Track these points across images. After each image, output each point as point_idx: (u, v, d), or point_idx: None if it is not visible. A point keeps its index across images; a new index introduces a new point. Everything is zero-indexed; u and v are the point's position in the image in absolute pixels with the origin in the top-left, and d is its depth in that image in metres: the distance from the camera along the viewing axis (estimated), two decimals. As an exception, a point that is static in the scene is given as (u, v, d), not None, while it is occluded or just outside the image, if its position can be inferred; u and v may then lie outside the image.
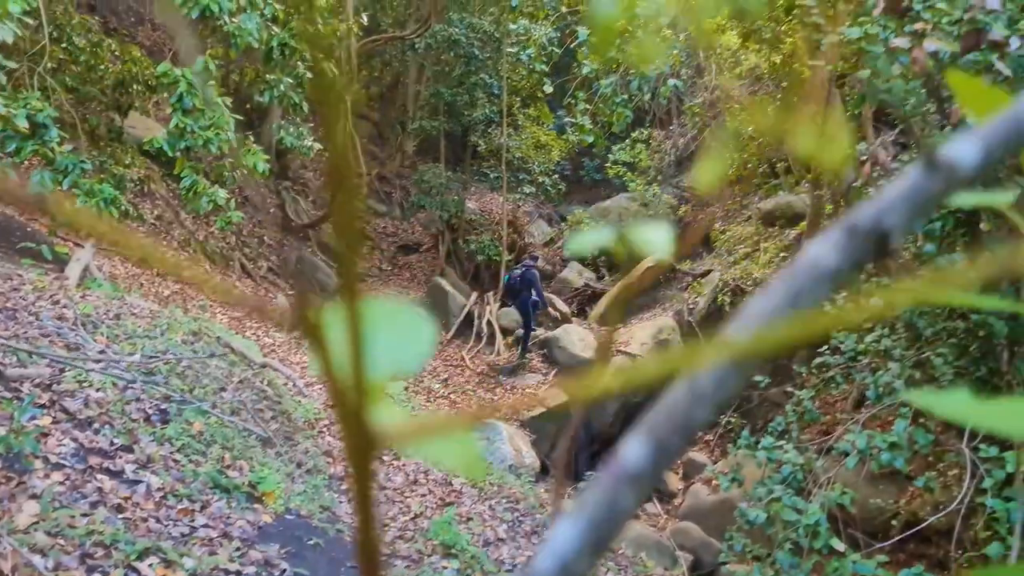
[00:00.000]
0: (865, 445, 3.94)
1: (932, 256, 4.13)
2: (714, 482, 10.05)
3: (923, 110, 4.03)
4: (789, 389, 5.74)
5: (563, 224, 18.08)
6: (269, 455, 4.94)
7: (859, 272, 0.29)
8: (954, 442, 3.60)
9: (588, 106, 5.73)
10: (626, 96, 5.65)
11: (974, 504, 3.81)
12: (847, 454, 4.08)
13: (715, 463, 10.92)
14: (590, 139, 5.98)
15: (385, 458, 6.17)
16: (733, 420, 10.99)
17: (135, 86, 9.85)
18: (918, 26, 2.83)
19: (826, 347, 5.27)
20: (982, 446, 3.80)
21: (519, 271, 12.34)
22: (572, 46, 5.64)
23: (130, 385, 4.70)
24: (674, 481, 11.44)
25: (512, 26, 8.25)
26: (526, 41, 8.60)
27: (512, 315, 14.05)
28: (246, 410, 5.27)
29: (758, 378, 5.45)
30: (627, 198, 17.13)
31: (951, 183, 0.28)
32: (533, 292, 12.09)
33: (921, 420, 4.10)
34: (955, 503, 4.07)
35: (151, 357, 5.12)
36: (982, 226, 4.15)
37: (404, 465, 6.23)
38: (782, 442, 4.53)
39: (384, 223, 16.28)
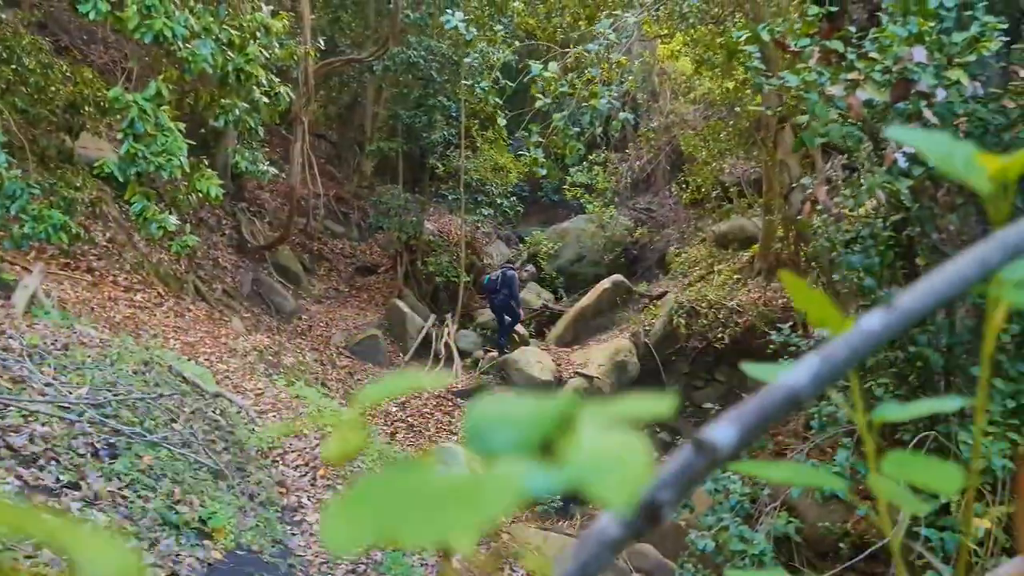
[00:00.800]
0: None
1: (872, 289, 4.27)
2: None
3: (863, 147, 4.18)
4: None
5: (521, 245, 18.19)
6: (221, 488, 4.89)
7: (636, 538, 0.33)
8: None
9: (542, 139, 5.82)
10: (579, 129, 5.76)
11: (913, 531, 3.93)
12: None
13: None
14: (543, 171, 6.07)
15: (338, 487, 6.14)
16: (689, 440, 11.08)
17: (87, 108, 9.72)
18: (852, 75, 2.96)
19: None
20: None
21: (498, 273, 13.18)
22: (525, 80, 5.74)
23: (78, 419, 4.62)
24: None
25: (467, 59, 8.34)
26: (481, 72, 8.71)
27: (470, 338, 14.09)
28: (197, 442, 5.21)
29: (708, 404, 5.54)
30: (585, 219, 17.31)
31: (714, 461, 0.34)
32: (511, 295, 12.89)
33: (863, 449, 4.22)
34: (895, 530, 4.19)
35: (100, 390, 5.05)
36: (918, 260, 4.31)
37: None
38: (728, 472, 4.63)
39: (342, 244, 16.20)
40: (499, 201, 15.02)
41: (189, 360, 8.15)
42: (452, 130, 14.54)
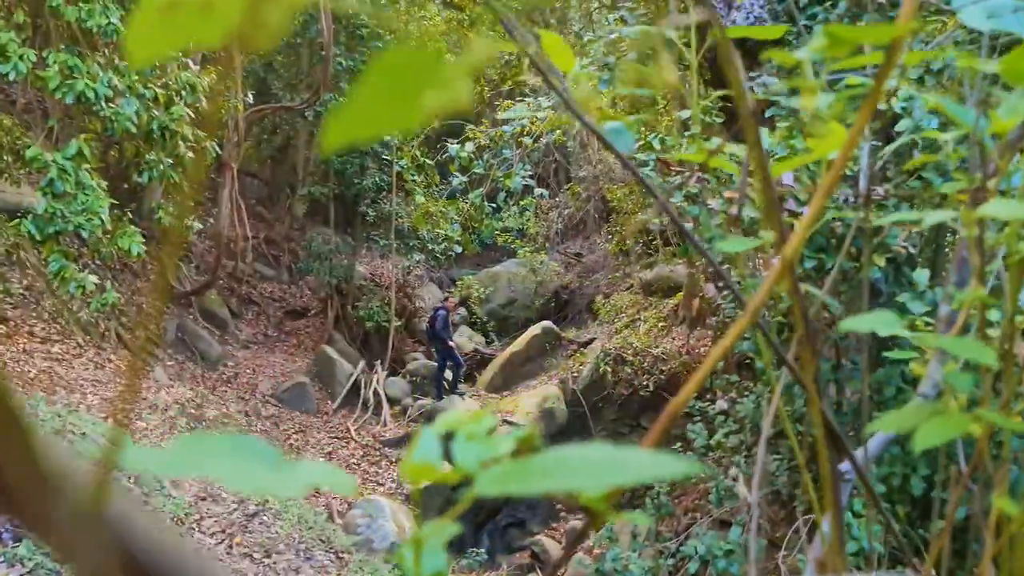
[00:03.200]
0: (705, 551, 4.26)
1: (762, 370, 4.56)
2: (595, 551, 10.31)
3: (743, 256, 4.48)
4: (648, 483, 6.07)
5: (453, 288, 18.33)
6: (130, 566, 4.85)
7: None
8: (785, 553, 3.95)
9: (456, 217, 6.03)
10: (495, 206, 5.99)
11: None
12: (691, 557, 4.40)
13: (596, 531, 11.18)
14: (458, 250, 6.27)
15: (255, 556, 6.12)
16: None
17: (4, 156, 9.56)
18: (728, 194, 3.22)
19: (679, 443, 5.63)
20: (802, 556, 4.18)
21: (431, 315, 13.41)
22: (443, 158, 5.95)
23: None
24: (556, 550, 11.62)
25: (386, 137, 8.51)
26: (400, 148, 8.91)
27: (399, 385, 14.10)
28: (108, 516, 5.16)
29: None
30: (516, 263, 17.55)
31: None
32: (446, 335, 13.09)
33: (761, 522, 4.45)
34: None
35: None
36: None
37: (275, 564, 6.19)
38: (629, 553, 4.82)
39: (271, 287, 16.08)
40: (431, 247, 15.14)
41: (106, 419, 8.02)
42: (384, 176, 14.67)
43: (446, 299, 14.89)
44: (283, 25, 0.33)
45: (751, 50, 4.76)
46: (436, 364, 13.56)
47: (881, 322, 0.63)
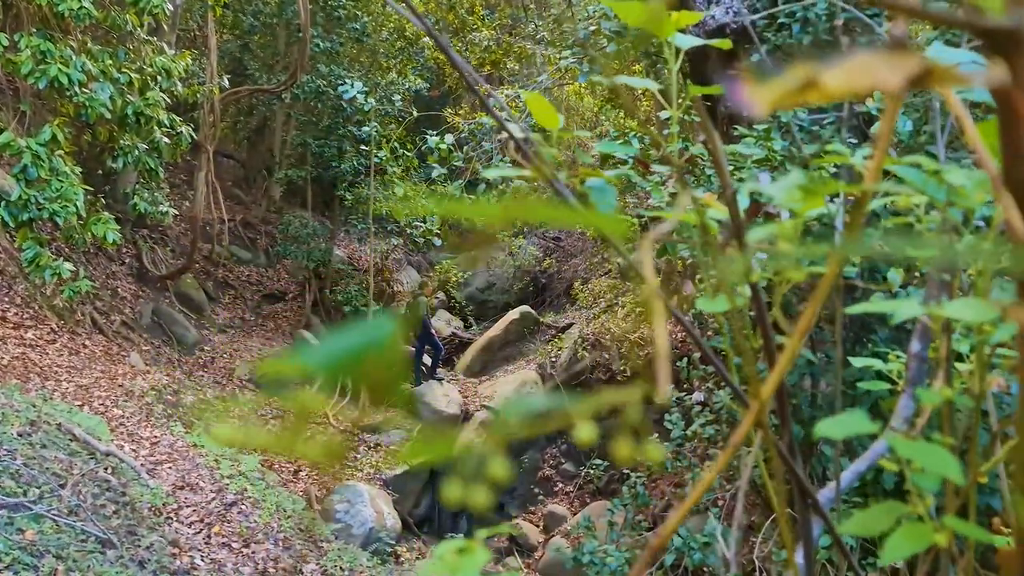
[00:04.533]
0: (682, 543, 4.34)
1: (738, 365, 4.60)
2: (573, 536, 10.42)
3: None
4: (625, 470, 6.16)
5: (432, 272, 18.30)
6: (108, 559, 4.85)
7: None
8: (753, 539, 4.04)
9: (436, 209, 6.01)
10: (474, 198, 5.99)
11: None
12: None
13: (574, 515, 11.30)
14: (439, 243, 6.27)
15: (234, 546, 6.14)
16: (592, 471, 11.43)
17: (-25, 140, 9.40)
18: (705, 196, 3.25)
19: (656, 434, 5.71)
20: (775, 550, 4.27)
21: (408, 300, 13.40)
22: (423, 149, 5.94)
23: (-43, 491, 4.53)
24: (534, 534, 11.74)
25: (365, 128, 8.45)
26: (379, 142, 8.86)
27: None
28: (85, 508, 5.16)
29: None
30: (496, 248, 17.54)
31: None
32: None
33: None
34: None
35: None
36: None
37: (253, 554, 6.21)
38: (606, 546, 4.89)
39: (248, 271, 15.97)
40: (409, 231, 15.09)
41: (82, 406, 7.97)
42: (362, 160, 14.57)
43: (423, 284, 14.87)
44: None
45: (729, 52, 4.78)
46: (414, 348, 13.58)
47: (850, 424, 0.66)
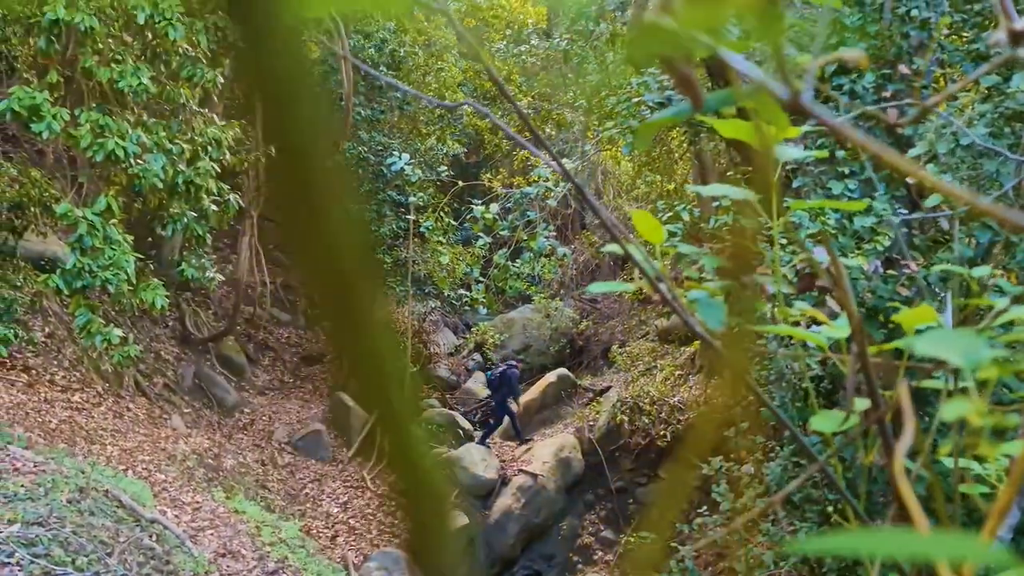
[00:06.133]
0: (736, 623, 4.21)
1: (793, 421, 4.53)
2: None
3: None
4: (673, 544, 6.02)
5: (468, 333, 18.33)
6: (153, 631, 4.83)
7: None
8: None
9: (483, 279, 6.09)
10: (519, 264, 6.05)
11: None
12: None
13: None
14: (484, 311, 6.32)
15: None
16: (632, 539, 11.19)
17: (32, 208, 9.69)
18: (761, 268, 3.25)
19: (704, 506, 5.58)
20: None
21: (501, 369, 13.55)
22: (467, 218, 6.03)
23: (7, 560, 4.56)
24: (574, 604, 11.46)
25: (411, 199, 8.63)
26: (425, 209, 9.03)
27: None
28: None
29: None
30: (531, 309, 17.56)
31: None
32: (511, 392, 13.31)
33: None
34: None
35: (31, 525, 4.98)
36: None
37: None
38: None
39: (288, 332, 16.14)
40: (447, 293, 15.18)
41: (126, 471, 8.03)
42: (400, 223, 14.76)
43: (515, 359, 14.88)
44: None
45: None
46: (491, 410, 13.82)
47: None
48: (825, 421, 0.98)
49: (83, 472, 6.38)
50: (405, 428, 0.40)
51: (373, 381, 0.39)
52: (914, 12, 4.59)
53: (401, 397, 0.38)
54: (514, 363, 13.87)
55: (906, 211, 3.84)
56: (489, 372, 14.08)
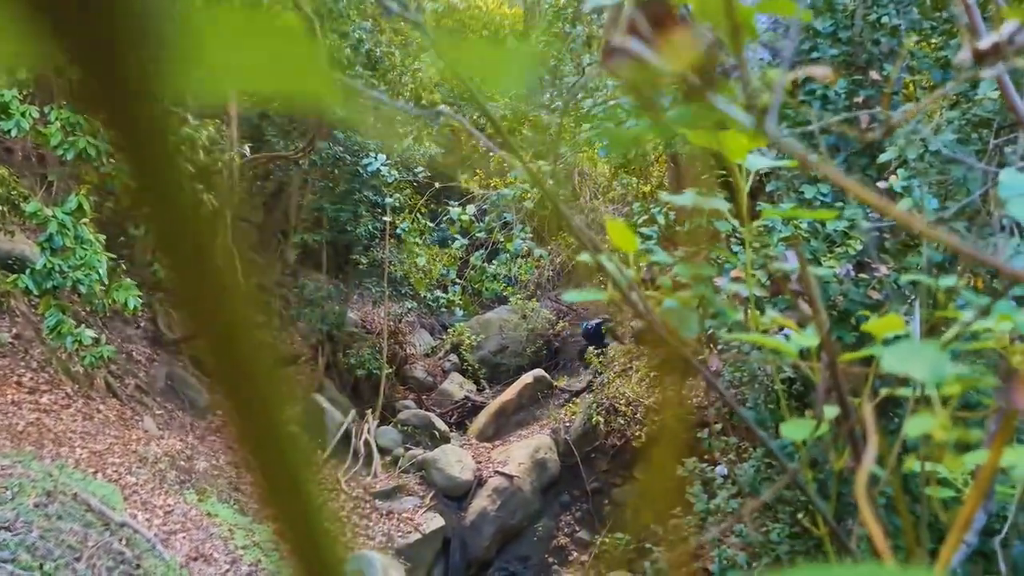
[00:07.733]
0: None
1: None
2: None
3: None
4: (647, 545, 6.05)
5: (445, 334, 18.29)
6: (123, 636, 4.77)
7: None
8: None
9: (459, 280, 6.09)
10: (496, 265, 6.06)
11: None
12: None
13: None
14: (460, 313, 6.31)
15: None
16: (608, 540, 11.24)
17: (1, 207, 9.55)
18: (734, 272, 3.28)
19: (678, 507, 5.61)
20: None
21: (596, 322, 15.26)
22: (443, 219, 6.03)
23: (-26, 566, 4.48)
24: (549, 605, 11.48)
25: (388, 199, 8.63)
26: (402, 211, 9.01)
27: (390, 434, 13.95)
28: (101, 582, 5.09)
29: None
30: (508, 310, 17.55)
31: None
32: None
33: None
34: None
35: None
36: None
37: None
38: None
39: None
40: (423, 294, 15.15)
41: (96, 474, 7.92)
42: (377, 224, 14.71)
43: (605, 317, 15.99)
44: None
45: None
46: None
47: None
48: (796, 429, 0.99)
49: (51, 475, 6.29)
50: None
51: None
52: (884, 19, 4.66)
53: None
54: (603, 320, 15.29)
55: (877, 216, 3.90)
56: (585, 324, 15.75)
